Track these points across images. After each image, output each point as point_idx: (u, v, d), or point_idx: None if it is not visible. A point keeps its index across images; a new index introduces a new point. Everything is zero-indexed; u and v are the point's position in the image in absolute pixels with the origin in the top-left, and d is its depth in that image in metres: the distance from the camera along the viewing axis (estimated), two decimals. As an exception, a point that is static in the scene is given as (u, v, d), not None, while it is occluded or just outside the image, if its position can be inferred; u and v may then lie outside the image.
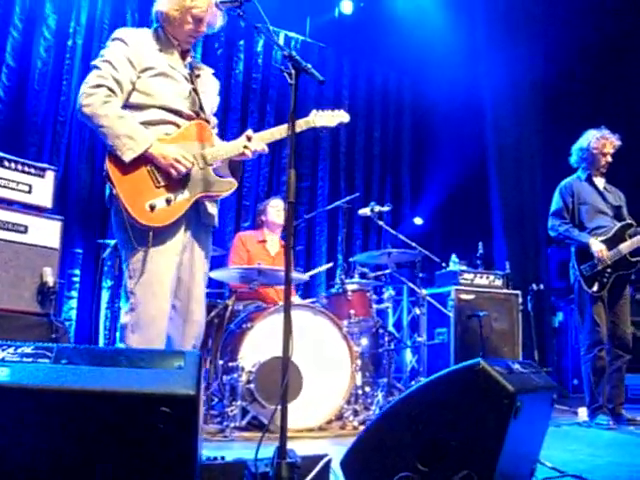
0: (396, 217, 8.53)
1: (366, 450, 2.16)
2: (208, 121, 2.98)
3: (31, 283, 3.91)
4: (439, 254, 6.34)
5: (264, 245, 5.33)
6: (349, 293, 4.74)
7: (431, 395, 2.11)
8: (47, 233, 4.02)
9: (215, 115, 3.17)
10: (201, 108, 2.97)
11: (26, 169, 3.97)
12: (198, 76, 3.04)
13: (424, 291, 5.03)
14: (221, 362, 4.24)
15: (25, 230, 3.87)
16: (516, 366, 2.30)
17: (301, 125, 3.08)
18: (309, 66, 2.48)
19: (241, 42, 7.73)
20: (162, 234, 2.74)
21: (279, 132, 3.02)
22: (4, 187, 3.86)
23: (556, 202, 5.21)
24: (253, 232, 5.57)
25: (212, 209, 2.95)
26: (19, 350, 1.52)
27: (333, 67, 8.43)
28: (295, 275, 4.77)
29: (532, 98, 8.15)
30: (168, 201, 2.73)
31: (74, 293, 5.83)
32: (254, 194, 7.71)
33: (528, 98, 8.10)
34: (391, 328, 5.55)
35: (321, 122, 3.14)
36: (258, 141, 2.96)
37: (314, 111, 3.17)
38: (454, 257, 6.13)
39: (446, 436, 2.04)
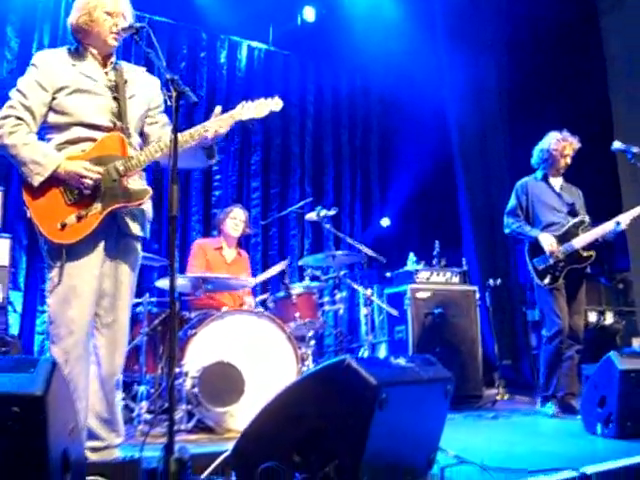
0: (366, 219, 8.70)
1: (249, 444, 2.31)
2: (126, 130, 3.03)
3: (-20, 300, 4.06)
4: (405, 254, 6.52)
5: (220, 252, 5.47)
6: (294, 296, 4.87)
7: (306, 389, 2.26)
8: (-5, 251, 4.18)
9: (166, 112, 3.21)
10: (120, 117, 3.05)
11: None
12: (125, 81, 3.09)
13: (369, 291, 5.17)
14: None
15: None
16: (398, 361, 2.44)
17: (227, 120, 3.04)
18: (187, 89, 2.59)
19: (203, 54, 7.87)
20: (77, 249, 2.86)
21: (191, 136, 2.98)
22: None
23: (511, 201, 5.43)
24: (211, 239, 5.72)
25: (131, 219, 3.02)
26: None
27: (298, 74, 8.55)
28: (245, 281, 4.92)
29: (496, 96, 8.28)
30: (79, 217, 2.84)
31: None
32: (223, 202, 7.84)
33: (492, 97, 8.24)
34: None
35: (248, 114, 3.09)
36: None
37: (242, 103, 3.13)
38: (412, 256, 6.26)
39: (319, 428, 2.18)
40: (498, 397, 5.97)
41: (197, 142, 3.00)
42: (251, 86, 8.14)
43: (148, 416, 4.25)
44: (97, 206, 2.88)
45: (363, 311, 5.08)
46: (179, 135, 2.63)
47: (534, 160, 5.42)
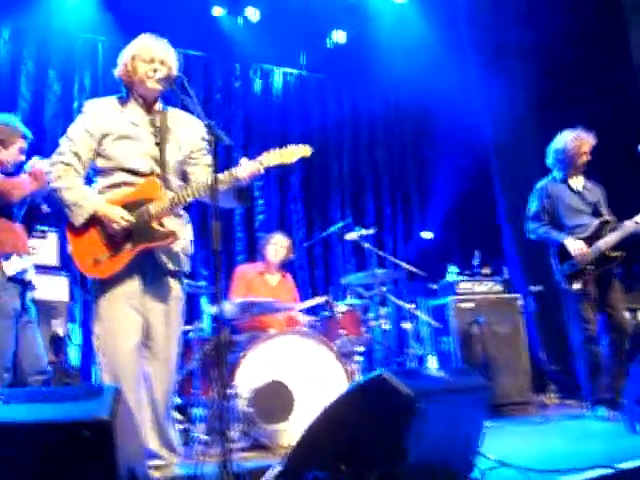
0: (407, 234, 8.85)
1: (299, 456, 2.49)
2: (163, 175, 3.26)
3: (45, 334, 4.32)
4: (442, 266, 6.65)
5: (263, 277, 5.67)
6: (338, 314, 5.03)
7: (348, 403, 2.43)
8: (55, 289, 4.45)
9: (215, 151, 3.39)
10: (162, 162, 3.28)
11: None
12: (168, 127, 3.31)
13: (411, 305, 5.31)
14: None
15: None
16: (433, 372, 2.60)
17: (255, 166, 3.14)
18: (222, 134, 2.80)
19: (237, 84, 8.14)
20: (114, 284, 3.14)
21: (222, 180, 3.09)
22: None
23: (533, 205, 5.38)
24: (253, 265, 5.91)
25: (168, 256, 3.26)
26: None
27: (333, 96, 8.76)
28: (289, 304, 5.12)
29: (527, 102, 8.33)
30: (111, 255, 3.12)
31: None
32: (266, 226, 8.05)
33: (522, 103, 8.29)
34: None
35: (275, 161, 3.17)
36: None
37: (270, 150, 3.21)
38: (452, 268, 6.38)
39: (362, 439, 2.35)
40: (547, 402, 6.00)
41: (229, 185, 3.15)
42: (287, 112, 8.40)
43: (205, 437, 4.45)
44: (128, 246, 3.14)
45: (406, 325, 5.22)
46: (209, 179, 2.86)
47: (549, 161, 5.38)
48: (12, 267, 3.87)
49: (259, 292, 5.49)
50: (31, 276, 4.05)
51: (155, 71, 3.23)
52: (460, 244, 8.72)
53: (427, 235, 8.24)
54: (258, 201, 8.09)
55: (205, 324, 5.04)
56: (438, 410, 2.47)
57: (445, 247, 8.44)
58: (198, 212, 7.26)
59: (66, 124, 6.60)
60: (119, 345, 3.09)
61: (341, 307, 5.12)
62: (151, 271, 3.24)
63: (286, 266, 6.31)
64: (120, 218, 3.11)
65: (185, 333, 4.86)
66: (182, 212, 3.41)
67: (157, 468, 3.04)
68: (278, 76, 8.49)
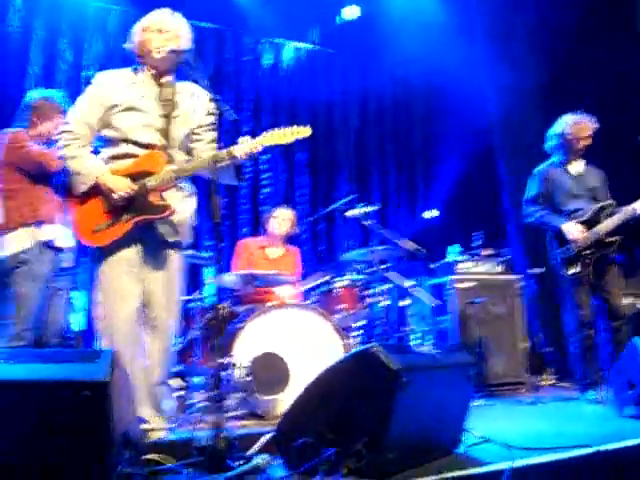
0: (412, 213, 8.91)
1: (289, 424, 2.58)
2: (167, 147, 3.33)
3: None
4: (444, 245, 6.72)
5: (264, 250, 5.75)
6: (337, 289, 5.12)
7: (338, 374, 2.52)
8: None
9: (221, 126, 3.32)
10: (166, 135, 3.34)
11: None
12: (176, 100, 3.37)
13: (407, 283, 5.38)
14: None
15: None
16: (422, 348, 2.69)
17: (254, 145, 3.20)
18: (227, 108, 2.88)
19: (248, 57, 8.17)
20: (114, 253, 3.23)
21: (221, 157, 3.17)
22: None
23: (532, 188, 5.37)
24: (255, 238, 5.99)
25: (169, 227, 3.33)
26: None
27: (342, 72, 8.79)
28: (289, 277, 5.20)
29: (534, 86, 8.33)
30: (109, 225, 3.20)
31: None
32: (271, 200, 8.13)
33: (530, 86, 8.29)
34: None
35: (274, 141, 3.23)
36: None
37: (270, 131, 3.26)
38: (452, 247, 6.44)
39: (350, 409, 2.44)
40: (542, 384, 6.09)
41: (228, 162, 3.20)
42: (296, 86, 8.42)
43: (202, 405, 4.56)
44: (126, 216, 3.21)
45: (404, 302, 5.30)
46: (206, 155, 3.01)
47: (548, 145, 5.37)
48: (45, 234, 4.03)
49: (259, 265, 5.56)
50: (63, 244, 4.20)
51: (167, 41, 3.27)
52: (463, 224, 8.77)
53: (431, 214, 8.30)
54: (264, 174, 8.17)
55: (206, 294, 5.12)
56: (424, 385, 2.55)
57: (448, 227, 8.51)
58: (205, 183, 7.34)
59: (76, 92, 6.71)
60: (118, 310, 3.19)
61: (340, 283, 5.20)
62: (151, 241, 3.32)
63: (292, 240, 6.40)
64: (124, 187, 3.17)
65: (187, 302, 4.98)
66: (185, 184, 3.47)
67: (147, 432, 3.14)
68: (288, 50, 8.51)
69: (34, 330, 4.04)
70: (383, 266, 5.72)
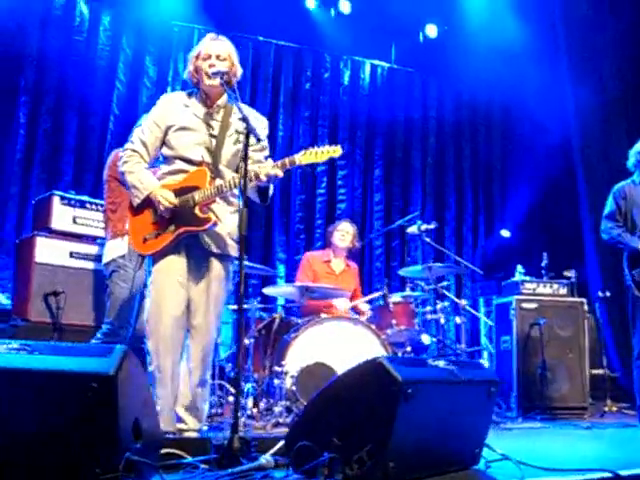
0: (488, 231, 8.84)
1: (300, 428, 2.69)
2: (213, 165, 3.49)
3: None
4: (525, 265, 6.65)
5: (329, 264, 5.88)
6: (391, 305, 5.20)
7: (347, 383, 2.61)
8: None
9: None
10: (214, 153, 3.52)
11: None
12: (229, 121, 3.55)
13: (463, 301, 5.38)
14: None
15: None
16: (436, 363, 2.74)
17: (286, 164, 3.36)
18: (253, 128, 3.04)
19: (326, 75, 8.35)
20: (162, 260, 3.45)
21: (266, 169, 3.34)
22: (87, 225, 4.72)
23: (609, 205, 5.28)
24: (320, 252, 6.14)
25: (212, 239, 3.50)
26: (8, 346, 2.24)
27: (420, 90, 8.86)
28: (344, 291, 5.31)
29: (618, 103, 8.14)
30: (157, 235, 3.41)
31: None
32: (347, 215, 8.25)
33: (614, 104, 8.10)
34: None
35: (308, 160, 3.37)
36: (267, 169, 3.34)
37: (303, 150, 3.41)
38: (519, 268, 6.38)
39: (356, 417, 2.52)
40: (606, 409, 5.93)
41: (255, 182, 3.36)
42: (374, 104, 8.56)
43: (254, 410, 4.72)
44: (171, 228, 3.42)
45: (457, 320, 5.30)
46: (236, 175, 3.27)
47: (630, 163, 5.26)
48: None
49: (322, 279, 5.71)
50: None
51: (211, 66, 3.46)
52: (541, 244, 8.62)
53: (505, 234, 8.22)
54: (340, 190, 8.31)
55: (262, 304, 5.29)
56: (434, 398, 2.60)
57: (525, 246, 8.37)
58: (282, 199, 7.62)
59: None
60: (162, 314, 3.39)
61: (395, 298, 5.27)
62: (197, 252, 3.50)
63: (355, 255, 6.50)
64: (164, 200, 3.39)
65: (244, 311, 5.15)
66: (234, 200, 3.62)
67: (180, 431, 3.32)
68: (367, 69, 8.65)
69: (128, 328, 4.33)
70: (445, 283, 5.75)
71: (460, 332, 5.39)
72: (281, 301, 6.79)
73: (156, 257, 3.47)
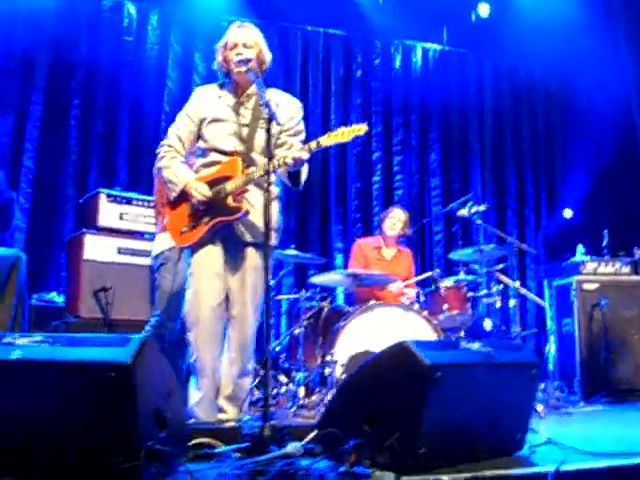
0: (550, 212, 8.57)
1: (331, 416, 2.65)
2: (246, 154, 3.47)
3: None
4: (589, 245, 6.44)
5: (379, 251, 5.81)
6: (442, 289, 5.08)
7: (375, 369, 2.55)
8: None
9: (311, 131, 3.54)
10: (247, 142, 3.49)
11: (151, 205, 4.86)
12: (258, 108, 3.46)
13: (516, 283, 5.21)
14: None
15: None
16: (469, 345, 2.64)
17: (311, 146, 3.30)
18: (273, 113, 2.97)
19: (377, 61, 8.24)
20: (199, 252, 3.46)
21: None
22: (134, 221, 4.78)
23: None
24: (371, 239, 6.07)
25: (247, 228, 3.47)
26: (31, 338, 2.28)
27: (474, 71, 8.64)
28: (394, 278, 5.23)
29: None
30: (193, 227, 3.42)
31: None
32: (405, 201, 8.15)
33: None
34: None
35: (330, 142, 3.28)
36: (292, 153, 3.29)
37: (328, 133, 3.33)
38: (580, 247, 6.17)
39: (385, 403, 2.46)
40: (677, 391, 5.67)
41: (284, 167, 3.33)
42: (427, 87, 8.40)
43: (306, 400, 4.70)
44: (206, 219, 3.41)
45: (510, 303, 5.15)
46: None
47: None
48: None
49: (374, 265, 5.65)
50: None
51: (238, 55, 3.43)
52: (603, 224, 8.31)
53: (568, 213, 7.95)
54: (396, 176, 8.21)
55: (310, 293, 5.26)
56: (466, 382, 2.52)
57: (587, 227, 8.08)
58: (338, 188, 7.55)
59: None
60: (200, 305, 3.41)
61: (446, 282, 5.16)
62: (231, 242, 3.50)
63: (415, 242, 6.39)
64: (197, 193, 3.39)
65: (294, 301, 5.16)
66: (271, 187, 3.57)
67: (221, 422, 3.32)
68: (419, 52, 8.50)
69: (176, 320, 4.36)
70: (500, 266, 5.60)
71: (514, 315, 5.22)
72: (340, 289, 6.75)
73: (194, 249, 3.48)
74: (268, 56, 3.60)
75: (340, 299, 5.61)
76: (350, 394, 2.61)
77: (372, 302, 4.85)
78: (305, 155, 3.26)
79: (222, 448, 2.62)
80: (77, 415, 2.15)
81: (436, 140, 8.44)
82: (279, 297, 5.23)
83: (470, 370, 2.55)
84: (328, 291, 6.31)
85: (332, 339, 4.75)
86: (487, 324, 5.55)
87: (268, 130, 3.03)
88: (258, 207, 3.43)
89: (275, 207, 3.61)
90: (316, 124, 7.84)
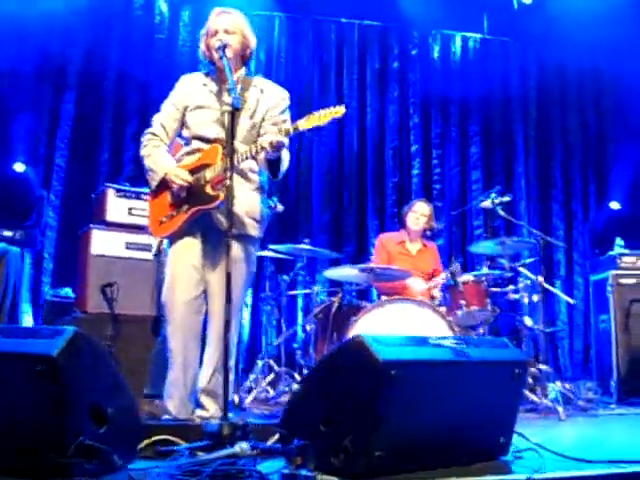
0: (599, 204, 8.18)
1: (290, 414, 2.51)
2: (226, 141, 3.30)
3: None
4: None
5: (403, 245, 5.62)
6: (460, 285, 4.87)
7: (330, 364, 2.41)
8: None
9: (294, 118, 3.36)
10: (229, 128, 3.38)
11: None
12: (242, 95, 3.34)
13: (540, 278, 4.93)
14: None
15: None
16: (439, 341, 2.47)
17: (289, 130, 3.17)
18: (236, 100, 2.87)
19: (414, 52, 8.03)
20: (176, 242, 3.38)
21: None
22: (143, 216, 4.74)
23: None
24: (394, 233, 5.87)
25: (227, 218, 3.33)
26: None
27: (518, 60, 8.31)
28: (408, 272, 5.04)
29: None
30: (172, 216, 3.32)
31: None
32: (445, 196, 7.93)
33: None
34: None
35: (308, 125, 3.13)
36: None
37: (307, 116, 3.17)
38: (618, 240, 5.84)
39: (340, 401, 2.31)
40: None
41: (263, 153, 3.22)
42: (467, 78, 8.12)
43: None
44: (185, 207, 3.31)
45: (534, 299, 4.88)
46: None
47: None
48: None
49: (397, 260, 5.47)
50: None
51: (218, 41, 3.34)
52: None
53: (615, 205, 7.58)
54: (435, 170, 7.99)
55: (324, 288, 5.14)
56: (432, 381, 2.35)
57: (631, 219, 7.66)
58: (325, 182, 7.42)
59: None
60: (175, 298, 3.34)
61: (465, 277, 4.95)
62: (212, 233, 3.37)
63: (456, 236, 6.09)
64: (177, 178, 3.30)
65: (306, 295, 5.04)
66: (254, 177, 3.47)
67: (201, 418, 3.22)
68: (458, 42, 8.24)
69: None
70: (529, 260, 5.35)
71: (537, 311, 4.96)
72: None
73: (172, 239, 3.41)
74: (252, 41, 3.51)
75: (352, 294, 5.45)
76: (309, 391, 2.48)
77: (383, 298, 4.68)
78: (282, 139, 3.13)
79: (182, 446, 2.54)
80: (8, 410, 2.09)
81: (477, 132, 8.15)
82: (292, 292, 5.10)
83: (437, 368, 2.38)
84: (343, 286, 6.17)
85: (342, 335, 4.61)
86: (528, 321, 5.32)
87: (232, 118, 2.92)
88: (239, 196, 3.32)
89: (257, 197, 3.49)
90: (352, 118, 7.72)
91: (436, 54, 8.14)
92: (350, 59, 7.86)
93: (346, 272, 4.98)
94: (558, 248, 7.83)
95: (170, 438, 2.58)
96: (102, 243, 4.58)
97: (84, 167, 6.68)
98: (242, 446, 2.29)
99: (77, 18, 6.76)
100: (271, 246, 5.23)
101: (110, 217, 4.69)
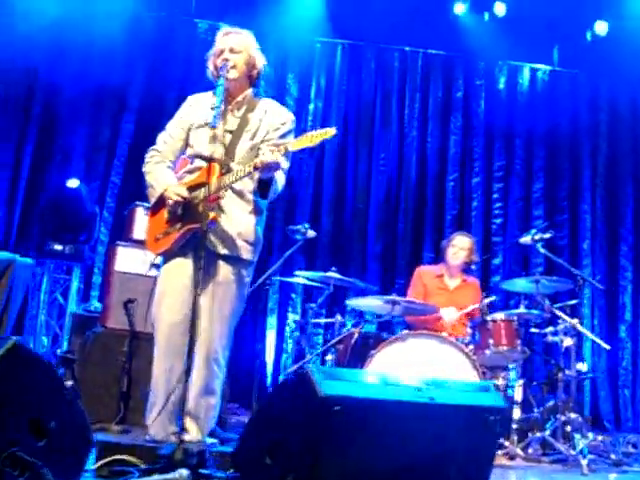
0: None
1: (242, 444, 2.44)
2: (223, 160, 3.29)
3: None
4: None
5: (442, 279, 5.45)
6: (489, 323, 4.67)
7: (278, 397, 2.33)
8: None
9: None
10: (228, 149, 3.35)
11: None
12: (245, 116, 3.41)
13: (574, 320, 4.64)
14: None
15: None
16: (402, 379, 2.34)
17: (280, 150, 3.11)
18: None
19: (479, 82, 7.86)
20: (167, 260, 3.39)
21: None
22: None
23: None
24: (433, 267, 5.70)
25: (220, 239, 3.29)
26: None
27: (588, 92, 8.01)
28: (432, 307, 4.88)
29: None
30: (167, 233, 3.30)
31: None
32: (506, 231, 7.69)
33: None
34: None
35: (298, 146, 3.09)
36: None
37: (298, 137, 3.15)
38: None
39: (288, 435, 2.22)
40: None
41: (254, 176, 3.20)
42: (534, 110, 7.89)
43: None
44: (178, 225, 3.29)
45: (566, 342, 4.59)
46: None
47: None
48: None
49: (434, 295, 5.31)
50: None
51: (225, 60, 3.34)
52: None
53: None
54: (495, 204, 7.76)
55: (348, 318, 5.03)
56: (385, 421, 2.23)
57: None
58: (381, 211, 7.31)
59: (302, 127, 7.13)
60: (163, 316, 3.32)
61: (496, 315, 4.73)
62: (204, 253, 3.32)
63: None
64: (174, 194, 3.29)
65: (331, 325, 4.94)
66: (252, 198, 3.42)
67: (182, 442, 3.15)
68: (526, 73, 8.02)
69: None
70: (572, 302, 5.08)
71: (570, 355, 4.66)
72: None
73: (166, 257, 3.41)
74: (260, 60, 3.48)
75: (372, 326, 5.31)
76: (259, 422, 2.40)
77: (404, 331, 4.54)
78: (275, 158, 3.06)
79: (139, 467, 2.50)
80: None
81: (542, 167, 7.87)
82: (315, 320, 5.01)
83: (388, 407, 2.25)
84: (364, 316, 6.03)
85: (361, 367, 4.49)
86: (581, 367, 5.05)
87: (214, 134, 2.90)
88: (232, 217, 3.30)
89: (252, 219, 3.42)
90: (412, 147, 7.64)
91: (502, 85, 7.94)
92: (413, 87, 7.77)
93: (370, 302, 4.86)
94: (625, 290, 7.47)
95: (127, 458, 2.54)
96: (126, 260, 4.64)
97: (137, 185, 6.81)
98: (182, 473, 2.23)
99: (141, 41, 6.97)
100: (297, 272, 5.15)
101: (136, 235, 4.75)
